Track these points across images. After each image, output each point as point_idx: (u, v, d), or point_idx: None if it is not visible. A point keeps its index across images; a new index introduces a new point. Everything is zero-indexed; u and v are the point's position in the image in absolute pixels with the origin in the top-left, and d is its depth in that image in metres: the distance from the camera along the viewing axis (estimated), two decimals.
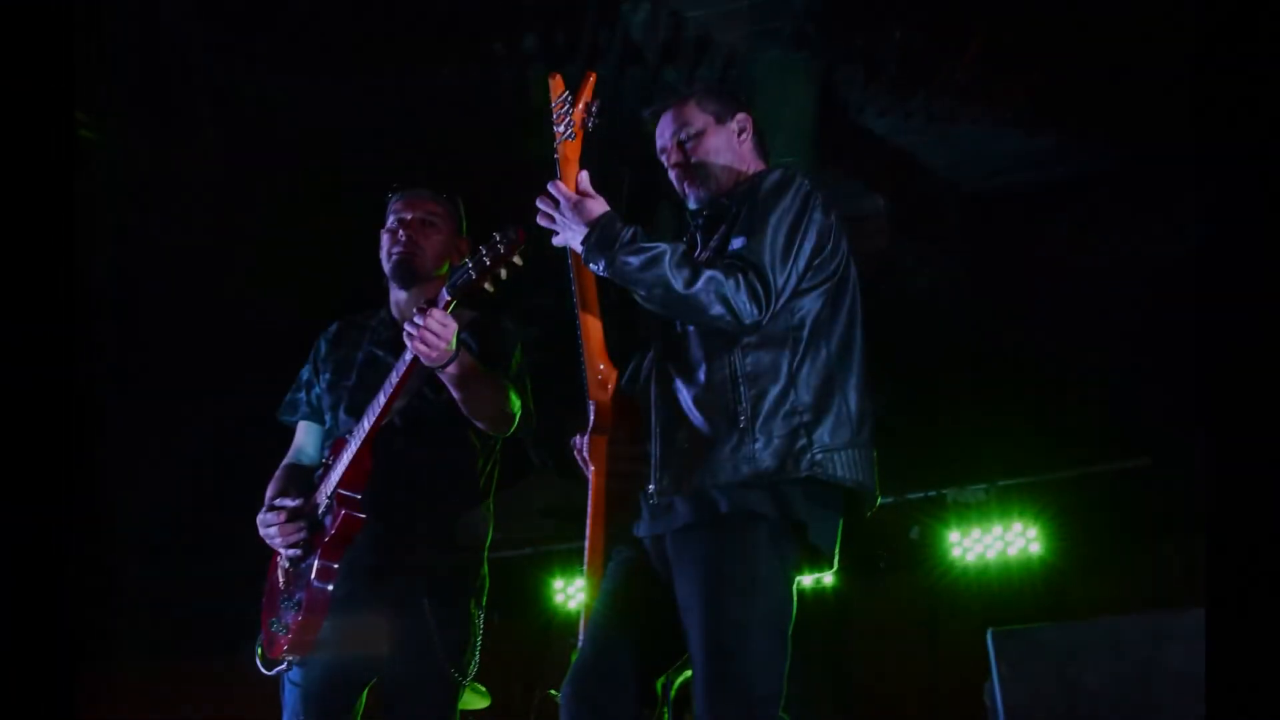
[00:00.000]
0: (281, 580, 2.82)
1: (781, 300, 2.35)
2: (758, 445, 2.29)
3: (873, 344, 2.51)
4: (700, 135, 2.60)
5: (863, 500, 2.43)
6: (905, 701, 7.06)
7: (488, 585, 2.91)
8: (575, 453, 2.58)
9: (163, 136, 5.94)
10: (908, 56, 6.36)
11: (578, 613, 6.69)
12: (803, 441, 2.31)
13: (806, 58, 6.36)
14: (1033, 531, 7.12)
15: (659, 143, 2.66)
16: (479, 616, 2.85)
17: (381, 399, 2.68)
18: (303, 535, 2.76)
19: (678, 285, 2.29)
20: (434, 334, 2.54)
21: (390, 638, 2.72)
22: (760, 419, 2.31)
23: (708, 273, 2.29)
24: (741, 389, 2.33)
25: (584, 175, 2.46)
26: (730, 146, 2.62)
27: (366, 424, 2.71)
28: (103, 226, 6.07)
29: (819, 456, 2.30)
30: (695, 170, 2.59)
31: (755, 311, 2.30)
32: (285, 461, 3.03)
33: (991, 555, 7.17)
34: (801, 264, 2.38)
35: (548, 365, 3.45)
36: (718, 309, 2.29)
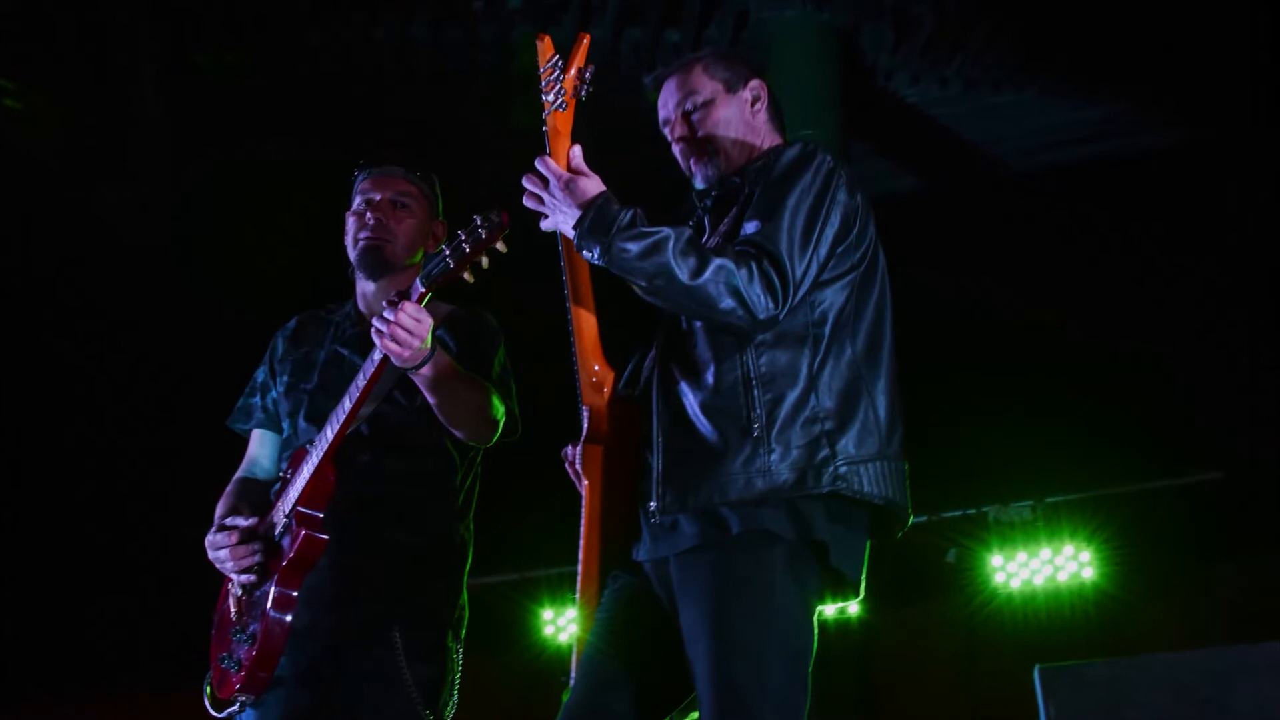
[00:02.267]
0: (233, 610, 2.82)
1: (800, 292, 2.35)
2: (773, 457, 2.30)
3: (904, 342, 2.51)
4: (708, 105, 2.60)
5: (893, 519, 2.43)
6: None
7: (467, 615, 2.91)
8: (567, 465, 2.58)
9: (101, 106, 5.95)
10: (944, 16, 6.36)
11: (569, 646, 6.68)
12: (824, 452, 2.31)
13: (829, 17, 6.37)
14: (1086, 555, 7.12)
15: (661, 114, 2.67)
16: (457, 650, 2.85)
17: (347, 404, 2.69)
18: (257, 559, 2.76)
19: (682, 275, 2.29)
20: (406, 330, 2.54)
21: (356, 675, 2.72)
22: (776, 427, 2.31)
23: (716, 261, 2.30)
24: (755, 393, 2.33)
25: (576, 150, 2.46)
26: (742, 118, 2.62)
27: (330, 433, 2.71)
28: (32, 208, 6.08)
29: (843, 469, 2.30)
30: (702, 145, 2.59)
31: (771, 305, 2.30)
32: (237, 475, 3.03)
33: (1039, 581, 7.18)
34: (823, 251, 2.38)
35: (535, 366, 3.45)
36: (728, 302, 2.29)
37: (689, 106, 2.61)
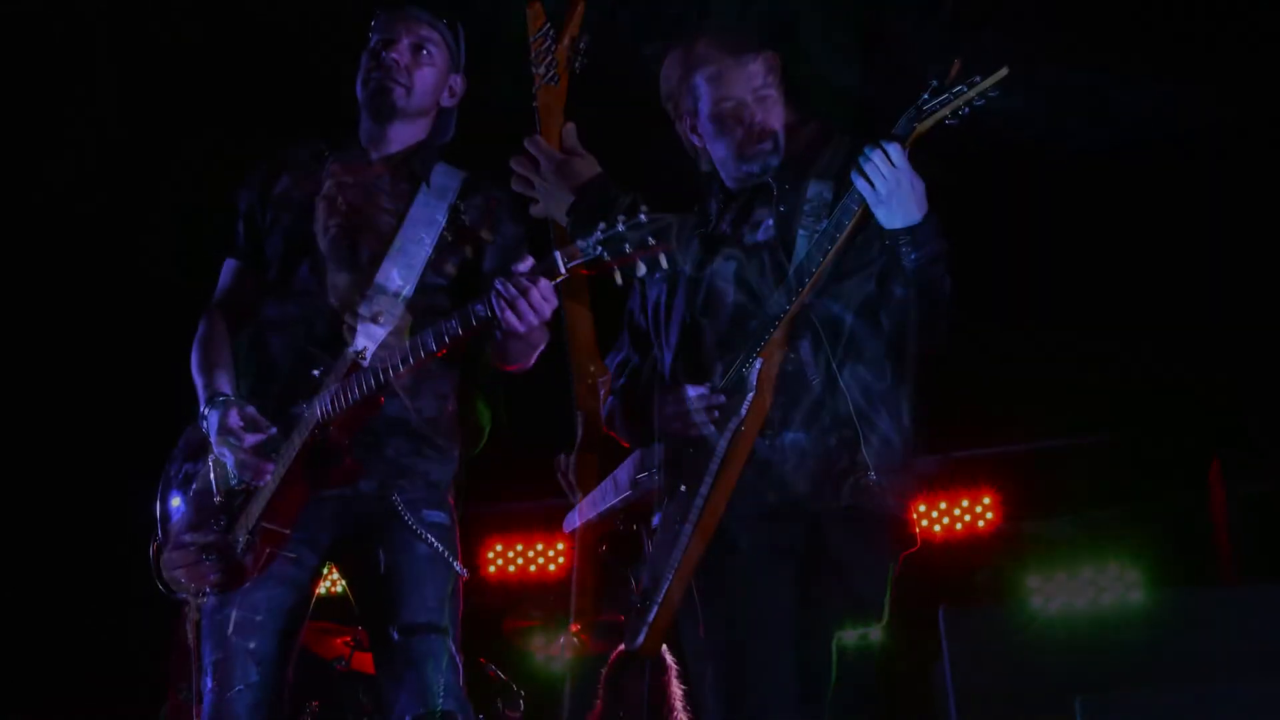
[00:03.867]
0: (192, 636, 2.81)
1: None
2: (787, 467, 2.29)
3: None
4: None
5: (917, 536, 2.43)
6: None
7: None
8: (560, 474, 2.57)
9: (47, 72, 5.95)
10: None
11: (563, 676, 6.68)
12: (843, 463, 2.30)
13: None
14: (1132, 574, 7.10)
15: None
16: None
17: (318, 412, 2.65)
18: (217, 578, 2.75)
19: (686, 268, 2.29)
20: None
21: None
22: (790, 434, 2.30)
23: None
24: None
25: (570, 128, 2.46)
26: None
27: (298, 440, 2.69)
28: None
29: (863, 481, 2.30)
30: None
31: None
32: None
33: (1081, 603, 7.15)
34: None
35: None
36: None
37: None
